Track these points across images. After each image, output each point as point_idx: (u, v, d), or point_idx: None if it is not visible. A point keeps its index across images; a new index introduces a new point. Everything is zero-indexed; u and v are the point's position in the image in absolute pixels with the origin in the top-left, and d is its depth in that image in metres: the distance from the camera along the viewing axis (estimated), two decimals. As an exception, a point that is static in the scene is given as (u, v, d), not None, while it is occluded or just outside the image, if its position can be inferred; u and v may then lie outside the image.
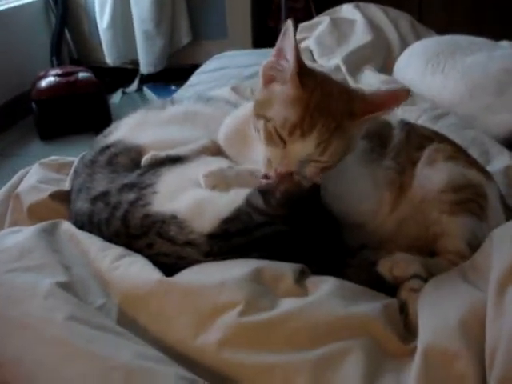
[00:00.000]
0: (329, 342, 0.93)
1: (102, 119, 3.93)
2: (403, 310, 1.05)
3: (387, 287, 1.13)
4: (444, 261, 1.20)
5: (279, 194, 1.11)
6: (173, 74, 4.53)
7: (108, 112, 4.03)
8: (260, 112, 1.13)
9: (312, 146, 1.08)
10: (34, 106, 3.83)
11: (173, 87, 4.38)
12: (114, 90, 4.57)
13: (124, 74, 4.69)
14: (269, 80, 1.14)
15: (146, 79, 4.65)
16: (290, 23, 1.07)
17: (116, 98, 4.50)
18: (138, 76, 4.68)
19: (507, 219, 1.27)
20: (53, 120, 3.87)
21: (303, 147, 1.08)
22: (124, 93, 4.62)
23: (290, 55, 1.08)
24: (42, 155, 3.61)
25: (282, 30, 1.09)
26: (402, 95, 1.14)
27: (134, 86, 4.68)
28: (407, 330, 1.01)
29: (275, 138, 1.10)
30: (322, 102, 1.08)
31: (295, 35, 1.08)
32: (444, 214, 1.22)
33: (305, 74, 1.10)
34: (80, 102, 3.87)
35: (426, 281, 1.11)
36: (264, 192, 1.13)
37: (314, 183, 1.12)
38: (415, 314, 1.00)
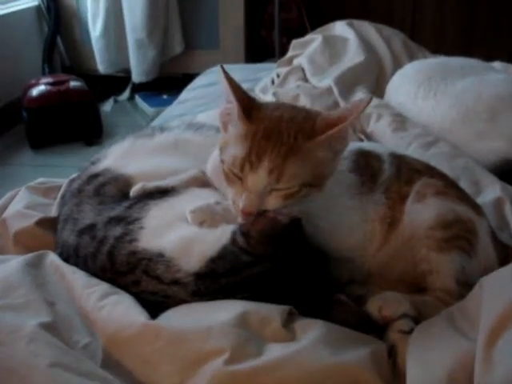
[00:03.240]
0: (316, 392, 0.92)
1: (94, 128, 3.95)
2: (392, 353, 1.04)
3: (375, 326, 1.12)
4: (433, 298, 1.19)
5: (255, 234, 1.10)
6: (165, 82, 4.54)
7: (99, 121, 4.04)
8: (221, 157, 1.14)
9: (264, 176, 1.07)
10: (24, 114, 3.83)
11: (164, 96, 4.39)
12: (105, 98, 4.56)
13: (116, 83, 4.69)
14: (226, 126, 1.15)
15: (138, 88, 4.65)
16: (221, 69, 1.11)
17: (108, 106, 4.50)
18: (129, 84, 4.67)
19: (497, 254, 1.27)
20: (44, 129, 3.87)
21: (256, 179, 1.07)
22: (116, 101, 4.61)
23: (231, 97, 1.10)
24: (32, 164, 3.67)
25: (220, 77, 1.12)
26: (362, 104, 1.11)
27: (126, 94, 4.68)
28: (396, 374, 1.00)
29: (232, 177, 1.11)
30: (270, 130, 1.08)
31: (231, 78, 1.11)
32: (433, 251, 1.21)
33: (252, 110, 1.11)
34: (71, 110, 3.87)
35: (415, 320, 1.11)
36: (243, 232, 1.12)
37: (293, 217, 1.10)
38: (404, 360, 0.99)
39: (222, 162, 1.13)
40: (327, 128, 1.08)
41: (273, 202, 1.10)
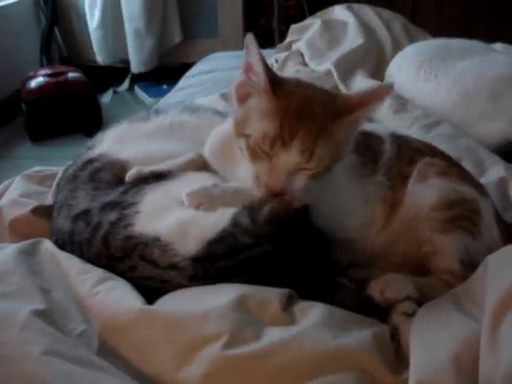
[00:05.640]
0: (317, 375, 0.89)
1: (93, 119, 3.92)
2: (394, 336, 1.01)
3: (378, 309, 1.10)
4: (437, 280, 1.17)
5: (267, 211, 1.07)
6: (164, 72, 4.50)
7: (99, 112, 4.01)
8: (240, 131, 1.10)
9: (296, 155, 1.04)
10: (23, 106, 3.80)
11: (164, 86, 4.34)
12: (104, 90, 4.53)
13: (115, 73, 4.65)
14: (243, 98, 1.11)
15: (137, 78, 4.61)
16: (250, 37, 1.06)
17: (107, 97, 4.47)
18: (129, 75, 4.64)
19: (501, 234, 1.24)
20: (43, 121, 3.84)
21: (288, 157, 1.04)
22: (115, 92, 4.58)
23: (258, 68, 1.06)
24: (32, 157, 3.64)
25: (245, 45, 1.07)
26: (384, 90, 1.12)
27: (125, 85, 4.64)
28: (399, 357, 0.97)
29: (259, 153, 1.07)
30: (301, 108, 1.05)
31: (258, 47, 1.06)
32: (436, 232, 1.18)
33: (278, 84, 1.07)
34: (70, 102, 3.84)
35: (418, 303, 1.08)
36: (252, 208, 1.09)
37: (304, 205, 1.08)
38: (407, 342, 0.97)
39: (246, 136, 1.08)
40: (350, 111, 1.06)
41: (298, 181, 1.08)
